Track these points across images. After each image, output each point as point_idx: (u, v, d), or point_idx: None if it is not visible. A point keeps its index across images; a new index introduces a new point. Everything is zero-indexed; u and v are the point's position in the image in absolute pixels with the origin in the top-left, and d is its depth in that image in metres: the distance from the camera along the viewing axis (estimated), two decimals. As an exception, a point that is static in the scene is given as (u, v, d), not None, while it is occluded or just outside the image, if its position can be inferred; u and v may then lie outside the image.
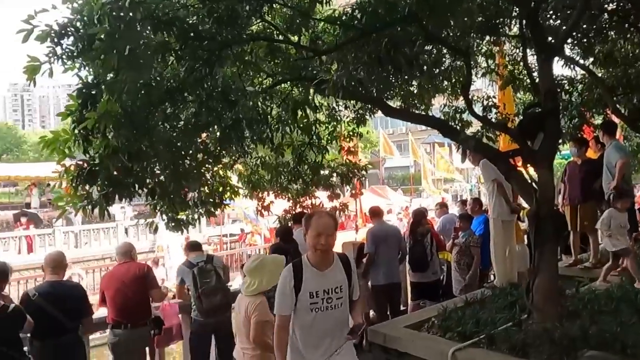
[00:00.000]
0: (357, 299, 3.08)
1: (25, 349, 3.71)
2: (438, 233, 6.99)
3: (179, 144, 3.84)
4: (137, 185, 3.51)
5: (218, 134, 4.27)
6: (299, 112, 4.99)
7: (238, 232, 19.29)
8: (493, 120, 6.81)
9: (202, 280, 4.55)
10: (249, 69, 4.46)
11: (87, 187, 3.43)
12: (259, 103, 4.26)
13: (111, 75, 2.89)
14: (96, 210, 3.51)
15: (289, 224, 5.99)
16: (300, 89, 5.94)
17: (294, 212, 6.65)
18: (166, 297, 4.77)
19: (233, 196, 6.60)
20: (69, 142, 3.32)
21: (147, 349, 4.55)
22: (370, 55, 3.91)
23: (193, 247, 5.04)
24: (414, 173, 38.84)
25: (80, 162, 3.47)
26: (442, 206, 8.01)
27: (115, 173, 3.22)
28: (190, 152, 4.09)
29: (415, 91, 6.62)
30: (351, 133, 6.58)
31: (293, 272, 2.91)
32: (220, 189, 6.38)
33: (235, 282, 14.18)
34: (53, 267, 4.02)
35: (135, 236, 16.33)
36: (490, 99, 7.26)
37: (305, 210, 6.99)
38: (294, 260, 3.02)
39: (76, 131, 3.25)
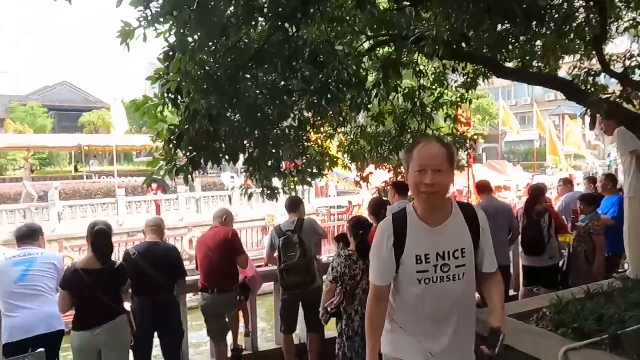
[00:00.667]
0: (492, 272, 2.22)
1: (127, 305, 3.96)
2: (559, 213, 6.18)
3: (268, 110, 3.71)
4: (222, 151, 3.46)
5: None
6: (391, 73, 4.53)
7: (346, 205, 19.34)
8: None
9: (286, 255, 4.44)
10: (341, 28, 4.14)
11: (177, 151, 3.46)
12: (353, 66, 3.92)
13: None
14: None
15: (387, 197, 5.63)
16: (404, 52, 5.51)
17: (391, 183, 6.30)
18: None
19: (332, 167, 6.45)
20: (159, 106, 3.35)
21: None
22: (477, 4, 3.37)
23: (290, 206, 4.87)
24: (538, 148, 35.70)
25: (172, 127, 3.50)
26: (566, 183, 7.05)
27: (199, 138, 3.17)
28: (279, 118, 3.93)
29: (538, 51, 5.82)
30: (459, 100, 5.99)
31: (393, 227, 2.11)
32: (319, 158, 6.27)
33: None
34: (152, 229, 4.21)
35: (250, 204, 17.07)
36: (634, 59, 6.14)
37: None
38: (397, 212, 2.19)
39: (165, 95, 3.25)
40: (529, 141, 39.08)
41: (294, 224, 4.65)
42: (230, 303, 4.42)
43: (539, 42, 5.71)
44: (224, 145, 3.43)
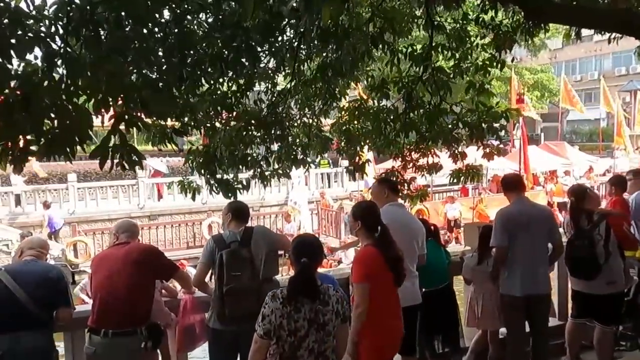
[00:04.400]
0: None
1: None
2: (629, 218, 4.58)
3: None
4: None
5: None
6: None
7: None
8: None
9: (230, 273, 3.17)
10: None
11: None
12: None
13: None
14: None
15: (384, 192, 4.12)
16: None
17: (397, 173, 4.90)
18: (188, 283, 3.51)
19: (322, 151, 5.13)
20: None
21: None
22: None
23: (236, 212, 3.46)
24: (604, 127, 32.42)
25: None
26: (638, 175, 5.27)
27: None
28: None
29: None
30: (487, 63, 4.43)
31: None
32: (305, 141, 4.97)
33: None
34: (31, 251, 3.05)
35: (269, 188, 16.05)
36: None
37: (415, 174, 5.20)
38: None
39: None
40: (594, 120, 35.72)
41: (241, 234, 3.39)
42: (130, 351, 3.04)
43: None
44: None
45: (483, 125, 4.48)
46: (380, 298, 2.87)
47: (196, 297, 3.53)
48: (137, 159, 2.26)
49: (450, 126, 4.70)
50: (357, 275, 2.91)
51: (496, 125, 4.42)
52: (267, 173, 4.62)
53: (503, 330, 4.16)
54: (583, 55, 43.82)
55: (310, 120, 5.03)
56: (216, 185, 4.01)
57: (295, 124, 4.91)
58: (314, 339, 2.45)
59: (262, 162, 4.44)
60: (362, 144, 5.08)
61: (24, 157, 2.10)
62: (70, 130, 2.04)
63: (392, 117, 4.85)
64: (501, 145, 4.79)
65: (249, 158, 4.36)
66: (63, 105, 2.00)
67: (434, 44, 4.42)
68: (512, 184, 3.92)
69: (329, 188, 17.83)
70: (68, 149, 2.14)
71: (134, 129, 2.33)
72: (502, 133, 4.44)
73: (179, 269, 3.42)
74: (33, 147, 2.11)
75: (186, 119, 4.10)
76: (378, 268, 2.90)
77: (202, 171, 3.96)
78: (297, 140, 4.88)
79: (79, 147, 2.17)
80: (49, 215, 13.28)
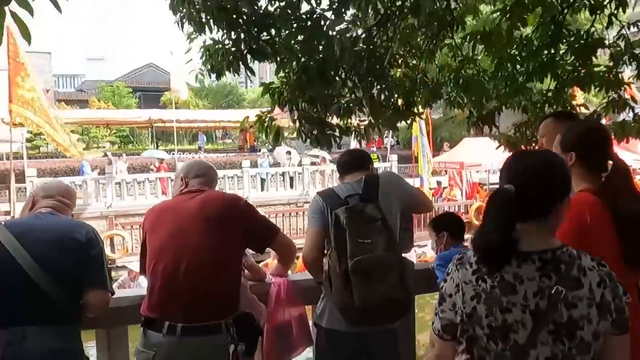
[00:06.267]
0: None
1: None
2: None
3: None
4: None
5: None
6: None
7: (434, 185, 16.42)
8: None
9: (355, 240, 1.97)
10: None
11: None
12: None
13: None
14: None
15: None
16: None
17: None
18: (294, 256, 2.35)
19: (430, 99, 3.96)
20: None
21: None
22: None
23: (349, 160, 2.34)
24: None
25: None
26: None
27: None
28: None
29: None
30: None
31: None
32: (408, 85, 3.81)
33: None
34: (48, 199, 1.98)
35: (321, 182, 15.07)
36: None
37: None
38: None
39: None
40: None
41: (361, 185, 2.21)
42: (211, 357, 1.92)
43: None
44: None
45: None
46: None
47: (293, 280, 2.39)
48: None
49: (612, 63, 3.47)
50: (561, 229, 1.57)
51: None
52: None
53: None
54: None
55: (415, 61, 3.89)
56: (305, 125, 2.88)
57: (396, 63, 3.76)
58: (549, 352, 1.24)
59: (364, 107, 3.29)
60: (481, 93, 3.87)
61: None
62: None
63: (525, 54, 3.65)
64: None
65: (346, 99, 3.23)
66: None
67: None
68: None
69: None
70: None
71: None
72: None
73: (279, 232, 2.25)
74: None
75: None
76: (599, 226, 1.67)
77: (293, 99, 2.82)
78: (399, 83, 3.73)
79: None
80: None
